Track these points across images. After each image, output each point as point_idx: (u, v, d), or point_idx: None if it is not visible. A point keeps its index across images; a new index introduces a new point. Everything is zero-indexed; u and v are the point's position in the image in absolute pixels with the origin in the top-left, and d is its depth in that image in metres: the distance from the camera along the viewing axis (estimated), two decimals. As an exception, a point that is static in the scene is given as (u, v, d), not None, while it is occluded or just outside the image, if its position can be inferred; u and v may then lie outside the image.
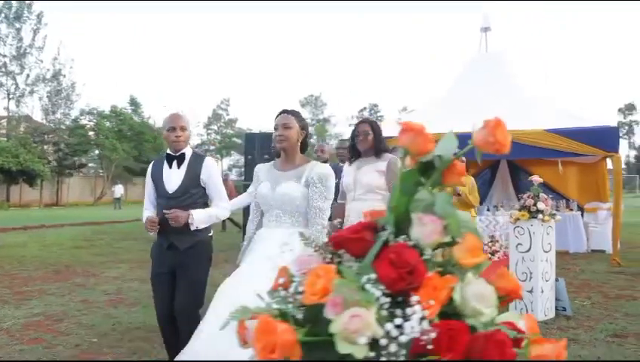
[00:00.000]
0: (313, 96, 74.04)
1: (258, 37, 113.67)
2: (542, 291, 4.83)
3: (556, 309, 4.99)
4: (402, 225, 0.82)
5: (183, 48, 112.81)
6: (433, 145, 0.83)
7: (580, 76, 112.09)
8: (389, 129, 5.61)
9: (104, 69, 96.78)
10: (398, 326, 0.69)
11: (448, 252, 0.84)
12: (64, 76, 37.90)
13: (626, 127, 73.88)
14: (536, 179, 4.96)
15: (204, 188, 3.24)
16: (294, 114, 2.92)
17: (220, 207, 3.28)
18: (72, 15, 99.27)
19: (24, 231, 14.83)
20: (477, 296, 0.76)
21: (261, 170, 3.00)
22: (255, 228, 2.97)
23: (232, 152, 64.84)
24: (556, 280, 5.07)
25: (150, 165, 3.43)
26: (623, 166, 9.18)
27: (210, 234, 3.34)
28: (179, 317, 3.13)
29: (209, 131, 66.16)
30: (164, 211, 3.04)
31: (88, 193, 39.55)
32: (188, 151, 3.28)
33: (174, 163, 3.23)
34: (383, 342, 0.68)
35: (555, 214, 4.75)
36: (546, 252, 4.91)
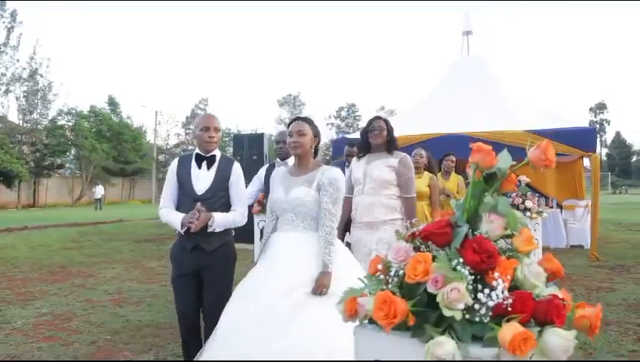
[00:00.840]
0: (292, 96, 74.08)
1: (237, 36, 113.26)
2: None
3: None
4: (473, 222, 1.09)
5: (162, 48, 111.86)
6: (496, 161, 1.09)
7: (554, 76, 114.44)
8: None
9: (81, 69, 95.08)
10: (488, 295, 0.95)
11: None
12: (41, 76, 37.26)
13: (597, 126, 75.85)
14: (523, 178, 5.29)
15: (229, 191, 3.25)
16: (308, 121, 2.99)
17: (239, 212, 3.27)
18: (48, 14, 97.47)
19: (9, 233, 14.73)
20: (534, 274, 1.03)
21: (277, 175, 3.09)
22: (272, 231, 3.04)
23: (211, 152, 64.37)
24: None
25: (175, 162, 3.37)
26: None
27: (233, 235, 3.35)
28: (208, 317, 3.14)
29: (187, 131, 65.59)
30: (189, 221, 3.02)
31: (66, 194, 39.10)
32: (218, 153, 3.27)
33: (204, 164, 3.21)
34: (477, 306, 0.94)
35: (542, 211, 5.09)
36: (534, 247, 5.24)
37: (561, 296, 1.10)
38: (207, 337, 2.95)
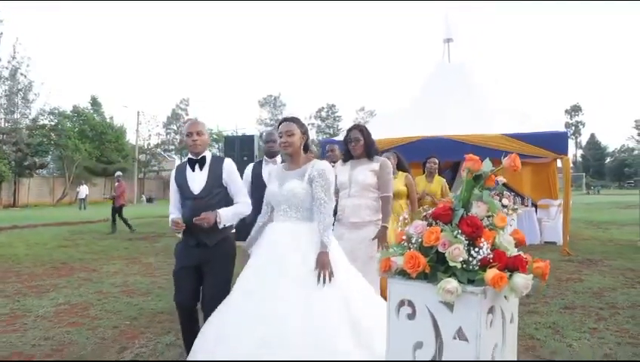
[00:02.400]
0: (272, 97, 74.47)
1: (218, 37, 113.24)
2: (506, 274, 5.74)
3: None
4: (466, 207, 1.63)
5: (143, 48, 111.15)
6: (481, 166, 1.64)
7: (530, 79, 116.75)
8: None
9: (63, 69, 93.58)
10: (477, 252, 1.49)
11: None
12: (23, 75, 36.87)
13: (573, 128, 77.63)
14: (500, 179, 5.86)
15: (226, 188, 3.45)
16: (295, 121, 3.23)
17: (242, 203, 3.46)
18: (29, 13, 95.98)
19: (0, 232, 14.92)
20: (507, 241, 1.58)
21: (274, 170, 3.36)
22: (265, 221, 3.32)
23: (192, 152, 64.12)
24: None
25: (173, 171, 3.60)
26: (571, 165, 10.29)
27: (233, 231, 3.54)
28: (207, 308, 3.28)
29: (168, 131, 65.35)
30: (195, 219, 3.19)
31: (47, 194, 38.82)
32: (208, 155, 3.48)
33: (196, 166, 3.44)
34: (470, 259, 1.49)
35: (517, 209, 5.67)
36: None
37: (525, 256, 1.66)
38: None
